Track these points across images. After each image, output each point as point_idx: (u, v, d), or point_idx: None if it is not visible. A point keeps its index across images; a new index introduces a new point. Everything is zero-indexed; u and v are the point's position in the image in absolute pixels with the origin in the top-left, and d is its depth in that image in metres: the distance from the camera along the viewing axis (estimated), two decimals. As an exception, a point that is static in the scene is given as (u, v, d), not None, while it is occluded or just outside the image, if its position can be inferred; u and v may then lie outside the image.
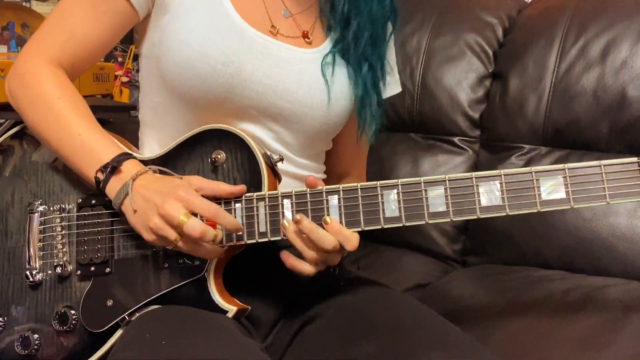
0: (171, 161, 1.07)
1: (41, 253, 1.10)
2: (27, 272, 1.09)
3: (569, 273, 1.46)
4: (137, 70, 2.77)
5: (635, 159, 0.91)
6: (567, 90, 1.63)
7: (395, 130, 1.82)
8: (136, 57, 2.65)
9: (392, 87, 1.26)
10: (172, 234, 0.94)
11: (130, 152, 1.06)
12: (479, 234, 1.68)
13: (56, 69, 1.10)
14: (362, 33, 1.15)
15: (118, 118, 1.95)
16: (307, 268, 0.98)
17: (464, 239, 1.72)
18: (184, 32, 1.08)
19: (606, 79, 1.58)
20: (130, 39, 2.91)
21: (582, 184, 0.91)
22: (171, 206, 0.93)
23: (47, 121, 1.08)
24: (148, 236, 0.97)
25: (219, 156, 1.04)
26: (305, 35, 1.16)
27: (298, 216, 0.96)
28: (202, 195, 0.97)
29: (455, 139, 1.79)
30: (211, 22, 1.09)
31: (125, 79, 2.62)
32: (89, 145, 1.04)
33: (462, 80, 1.78)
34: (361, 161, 1.36)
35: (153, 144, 1.18)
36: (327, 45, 1.18)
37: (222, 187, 1.00)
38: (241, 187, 1.00)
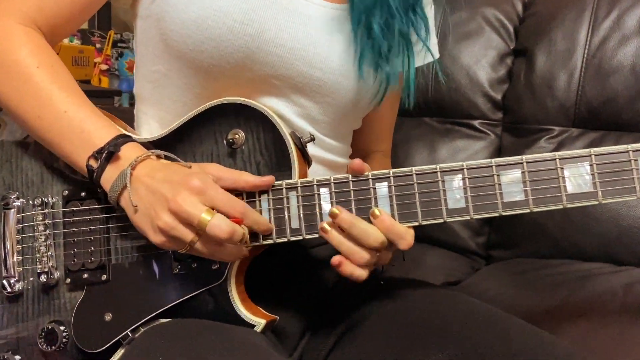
0: (177, 143, 0.89)
1: (20, 258, 0.91)
2: (4, 282, 0.90)
3: (616, 265, 1.33)
4: (117, 58, 2.64)
5: None
6: (601, 66, 1.51)
7: (408, 114, 1.65)
8: (115, 44, 2.50)
9: (428, 53, 1.06)
10: (187, 235, 0.75)
11: (129, 133, 0.87)
12: (505, 225, 1.54)
13: (32, 30, 0.91)
14: None
15: (101, 105, 1.75)
16: (361, 273, 0.80)
17: (488, 231, 1.58)
18: None
19: None
20: (108, 24, 2.76)
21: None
22: (185, 199, 0.74)
23: (23, 96, 0.88)
24: (155, 237, 0.78)
25: (237, 136, 0.85)
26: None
27: (335, 208, 0.78)
28: (232, 191, 0.80)
29: (476, 123, 1.65)
30: None
31: (104, 67, 2.46)
32: (78, 124, 0.85)
33: (481, 59, 1.65)
34: (389, 136, 1.18)
35: (152, 123, 0.99)
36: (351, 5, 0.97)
37: (246, 178, 0.81)
38: (269, 178, 0.81)
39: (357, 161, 0.81)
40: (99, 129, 0.84)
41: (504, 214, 0.76)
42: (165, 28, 0.90)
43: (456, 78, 1.63)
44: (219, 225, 0.73)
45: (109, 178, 0.81)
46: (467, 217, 0.77)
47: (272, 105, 0.93)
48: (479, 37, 1.65)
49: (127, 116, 1.07)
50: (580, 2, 1.57)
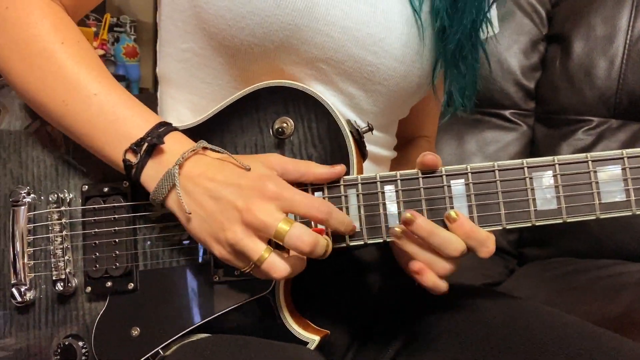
0: (214, 133, 0.78)
1: (32, 262, 0.81)
2: (14, 290, 0.80)
3: None
4: (113, 43, 2.53)
5: None
6: None
7: (434, 103, 1.59)
8: (111, 28, 2.40)
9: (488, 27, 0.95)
10: (259, 249, 0.65)
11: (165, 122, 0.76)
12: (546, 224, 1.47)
13: (53, 3, 0.80)
14: None
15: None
16: (442, 285, 0.69)
17: (520, 227, 1.48)
18: None
19: None
20: (102, 7, 2.66)
21: None
22: (261, 209, 0.64)
23: (45, 76, 0.76)
24: (220, 251, 0.68)
25: (286, 124, 0.76)
26: None
27: (408, 214, 0.67)
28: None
29: (507, 113, 1.61)
30: None
31: (100, 52, 2.36)
32: (111, 110, 0.74)
33: (512, 45, 1.60)
34: (435, 119, 1.10)
35: (182, 109, 0.88)
36: None
37: (314, 170, 0.71)
38: (340, 168, 0.71)
39: (430, 155, 0.70)
40: (135, 115, 0.74)
41: (602, 217, 0.67)
42: (199, 5, 0.79)
43: (485, 65, 1.54)
44: (300, 237, 0.63)
45: (153, 176, 0.71)
46: (560, 221, 0.67)
47: (317, 89, 0.82)
48: (510, 22, 1.62)
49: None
50: None
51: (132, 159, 0.71)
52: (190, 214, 0.67)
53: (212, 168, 0.69)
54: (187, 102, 0.87)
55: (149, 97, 0.98)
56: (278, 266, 0.65)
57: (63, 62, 0.75)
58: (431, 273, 0.69)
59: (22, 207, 0.81)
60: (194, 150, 0.70)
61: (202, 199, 0.67)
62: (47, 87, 0.75)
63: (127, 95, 0.75)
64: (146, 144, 0.70)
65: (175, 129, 0.74)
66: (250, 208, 0.64)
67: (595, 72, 1.52)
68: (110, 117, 0.73)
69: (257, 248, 0.64)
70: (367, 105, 0.85)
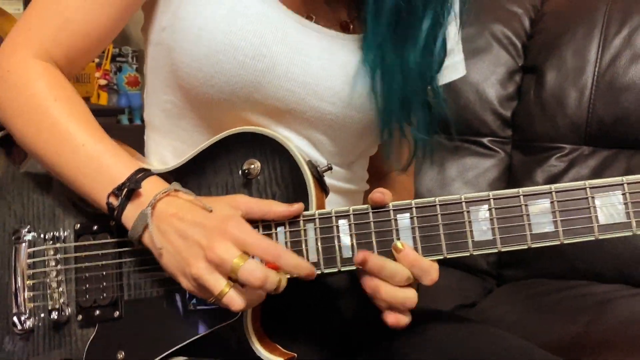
0: (191, 174, 0.85)
1: (32, 294, 0.88)
2: (15, 318, 0.87)
3: (632, 287, 1.34)
4: (116, 72, 2.62)
5: None
6: (612, 84, 1.54)
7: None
8: (114, 58, 2.49)
9: (451, 70, 1.01)
10: (221, 283, 0.72)
11: (148, 167, 0.83)
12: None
13: (48, 64, 0.88)
14: (413, 14, 0.90)
15: (105, 124, 1.73)
16: (405, 320, 0.77)
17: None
18: (203, 17, 0.85)
19: None
20: None
21: None
22: (221, 247, 0.71)
23: (40, 130, 0.84)
24: (187, 284, 0.75)
25: (252, 166, 0.82)
26: (345, 27, 0.93)
27: (360, 255, 0.74)
28: (248, 221, 0.76)
29: (485, 140, 1.66)
30: (238, 4, 0.86)
31: (103, 82, 2.45)
32: (97, 159, 0.81)
33: (490, 75, 1.66)
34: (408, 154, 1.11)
35: (165, 153, 0.95)
36: (366, 35, 0.92)
37: (275, 209, 0.77)
38: (299, 207, 0.78)
39: (378, 193, 0.77)
40: (118, 162, 0.81)
41: (533, 246, 0.72)
42: (176, 59, 0.87)
43: (465, 95, 1.64)
44: (251, 272, 0.69)
45: (130, 216, 0.78)
46: (495, 250, 0.73)
47: (283, 134, 0.89)
48: (488, 54, 1.68)
49: (128, 134, 1.04)
50: (590, 19, 1.60)
51: (114, 202, 0.78)
52: (161, 249, 0.74)
53: (183, 209, 0.75)
54: (169, 146, 0.94)
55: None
56: (236, 300, 0.71)
57: (56, 117, 0.82)
58: (395, 315, 0.76)
59: (23, 244, 0.88)
60: (165, 192, 0.77)
61: (172, 237, 0.74)
62: (42, 140, 0.83)
63: (112, 145, 0.83)
64: (125, 189, 0.77)
65: (152, 174, 0.80)
66: (212, 246, 0.70)
67: (566, 102, 1.57)
68: (95, 165, 0.80)
69: (217, 284, 0.71)
70: (330, 147, 0.92)
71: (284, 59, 0.86)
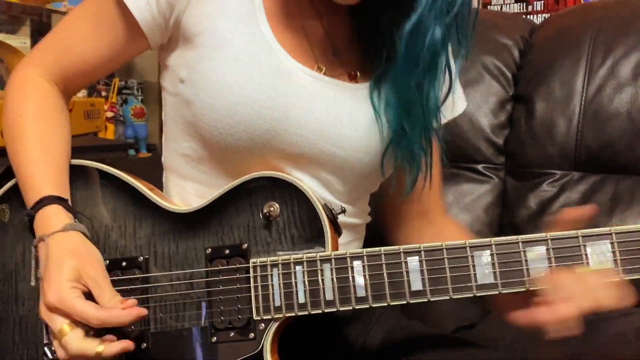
0: (215, 214, 0.92)
1: None
2: (46, 349, 0.91)
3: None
4: (122, 104, 2.67)
5: None
6: (598, 112, 1.56)
7: (415, 160, 1.69)
8: (120, 91, 2.54)
9: (451, 108, 1.07)
10: (58, 324, 0.83)
11: (60, 197, 0.92)
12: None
13: (47, 83, 1.00)
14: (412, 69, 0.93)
15: (115, 159, 1.78)
16: None
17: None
18: (222, 72, 0.91)
19: None
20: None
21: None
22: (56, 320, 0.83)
23: (11, 131, 0.98)
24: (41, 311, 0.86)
25: (272, 208, 0.88)
26: (352, 77, 0.99)
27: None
28: None
29: (479, 167, 1.68)
30: (254, 59, 0.92)
31: (110, 114, 2.50)
32: (29, 175, 0.94)
33: (482, 105, 1.68)
34: (436, 195, 1.15)
35: (188, 196, 1.01)
36: (374, 82, 0.99)
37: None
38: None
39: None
40: (35, 186, 0.92)
41: (531, 288, 0.78)
42: (196, 111, 0.93)
43: (459, 124, 1.65)
44: (68, 344, 0.81)
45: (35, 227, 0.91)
46: (496, 292, 0.79)
47: (297, 177, 0.94)
48: (480, 84, 1.69)
49: (138, 167, 1.09)
50: (576, 51, 1.61)
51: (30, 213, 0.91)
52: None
53: (51, 258, 0.86)
54: (191, 189, 1.00)
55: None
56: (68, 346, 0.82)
57: (25, 129, 0.96)
58: None
59: None
60: (50, 233, 0.87)
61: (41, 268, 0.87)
62: (9, 140, 0.97)
63: (44, 171, 0.93)
64: (27, 214, 0.91)
65: (53, 202, 0.90)
66: (46, 295, 0.83)
67: (556, 130, 1.59)
68: (28, 182, 0.93)
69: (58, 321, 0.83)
70: (338, 186, 0.97)
71: (297, 108, 0.91)
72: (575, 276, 0.79)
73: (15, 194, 0.97)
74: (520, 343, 1.23)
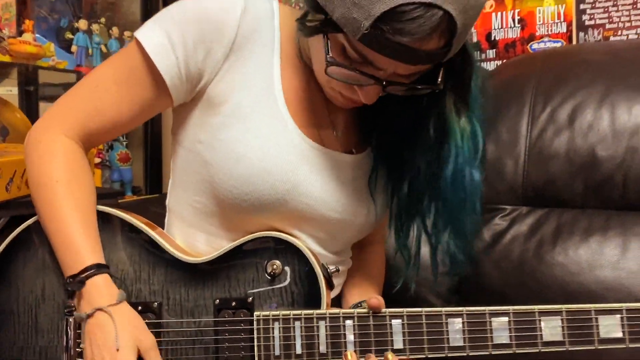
0: (224, 267, 1.01)
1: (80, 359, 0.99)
2: None
3: None
4: (108, 150, 2.70)
5: None
6: (541, 153, 1.64)
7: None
8: None
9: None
10: None
11: (100, 264, 0.97)
12: (472, 294, 1.66)
13: (73, 143, 1.02)
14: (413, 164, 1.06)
15: (105, 204, 1.82)
16: None
17: (457, 298, 1.70)
18: (243, 144, 0.99)
19: (576, 142, 1.61)
20: None
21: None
22: None
23: (42, 197, 1.00)
24: None
25: (275, 267, 0.98)
26: (348, 152, 1.10)
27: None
28: None
29: None
30: (271, 135, 1.00)
31: (97, 160, 2.53)
32: (69, 241, 0.97)
33: None
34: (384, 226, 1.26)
35: (195, 243, 1.09)
36: (368, 153, 1.11)
37: None
38: None
39: (374, 300, 0.95)
40: (79, 252, 0.97)
41: (494, 352, 0.92)
42: (213, 174, 1.00)
43: None
44: None
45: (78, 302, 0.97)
46: (464, 354, 0.92)
47: (296, 234, 1.05)
48: None
49: (129, 209, 1.15)
50: (520, 99, 1.70)
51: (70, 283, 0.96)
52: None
53: (100, 329, 0.93)
54: (200, 237, 1.08)
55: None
56: None
57: (57, 194, 0.98)
58: None
59: (73, 316, 0.99)
60: (95, 310, 0.93)
61: (86, 344, 0.94)
62: (41, 204, 1.00)
63: (85, 234, 0.97)
64: (72, 282, 0.96)
65: (100, 273, 0.96)
66: None
67: (504, 169, 1.67)
68: (67, 245, 0.97)
69: None
70: (330, 242, 1.10)
71: (305, 179, 1.02)
72: None
73: (32, 234, 1.03)
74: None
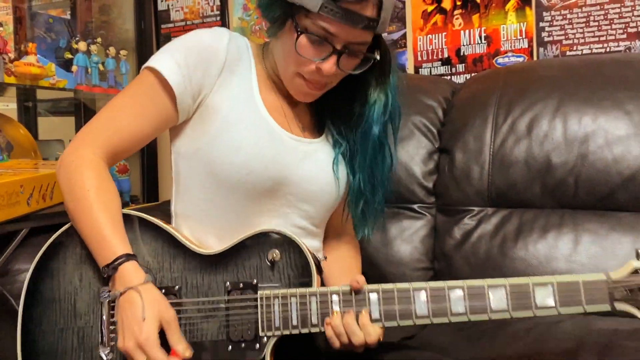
0: (232, 256, 1.18)
1: (112, 335, 1.15)
2: (102, 353, 1.15)
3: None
4: None
5: (604, 277, 1.04)
6: (503, 160, 1.77)
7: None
8: None
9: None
10: (141, 358, 1.07)
11: (129, 253, 1.14)
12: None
13: (99, 160, 1.20)
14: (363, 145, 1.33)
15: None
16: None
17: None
18: (238, 139, 1.20)
19: (533, 149, 1.74)
20: None
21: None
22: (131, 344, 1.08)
23: (77, 204, 1.17)
24: (120, 344, 1.09)
25: (275, 255, 1.15)
26: (312, 135, 1.35)
27: (327, 319, 1.11)
28: None
29: (415, 206, 1.89)
30: (258, 130, 1.23)
31: None
32: (101, 237, 1.14)
33: (414, 156, 1.90)
34: (350, 225, 1.48)
35: (209, 238, 1.27)
36: (325, 137, 1.37)
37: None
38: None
39: (355, 282, 1.12)
40: (111, 246, 1.14)
41: (453, 320, 1.07)
42: (216, 167, 1.21)
43: (397, 172, 1.86)
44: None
45: (112, 284, 1.15)
46: (429, 322, 1.08)
47: (286, 211, 1.28)
48: (412, 139, 1.91)
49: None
50: (484, 111, 1.84)
51: (105, 271, 1.14)
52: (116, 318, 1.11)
53: (132, 306, 1.10)
54: (210, 232, 1.27)
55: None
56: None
57: (89, 201, 1.16)
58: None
59: (107, 300, 1.17)
60: (127, 289, 1.10)
61: (119, 317, 1.11)
62: (76, 211, 1.17)
63: (115, 230, 1.15)
64: (108, 269, 1.13)
65: (130, 259, 1.13)
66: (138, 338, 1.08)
67: (472, 175, 1.79)
68: (99, 241, 1.14)
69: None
70: (314, 214, 1.32)
71: (290, 161, 1.26)
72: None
73: (68, 236, 1.20)
74: (453, 346, 1.49)
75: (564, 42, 2.22)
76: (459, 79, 2.39)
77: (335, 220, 1.45)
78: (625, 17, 2.12)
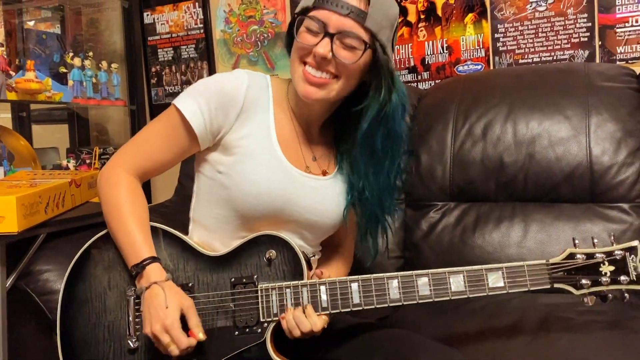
0: (235, 257, 1.32)
1: (138, 326, 1.30)
2: (129, 341, 1.29)
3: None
4: (101, 168, 2.79)
5: (544, 262, 1.24)
6: (462, 160, 1.92)
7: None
8: (100, 157, 2.72)
9: None
10: (167, 338, 1.24)
11: (154, 256, 1.30)
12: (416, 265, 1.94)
13: (132, 178, 1.36)
14: (369, 189, 1.43)
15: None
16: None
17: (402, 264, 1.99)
18: (252, 173, 1.32)
19: (488, 151, 1.91)
20: (88, 142, 3.08)
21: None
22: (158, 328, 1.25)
23: (112, 215, 1.34)
24: (147, 329, 1.25)
25: (271, 254, 1.29)
26: (324, 173, 1.45)
27: (282, 315, 1.28)
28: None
29: None
30: (271, 167, 1.33)
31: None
32: (131, 242, 1.31)
33: None
34: (351, 235, 1.60)
35: (215, 244, 1.40)
36: (336, 173, 1.46)
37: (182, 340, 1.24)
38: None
39: (319, 271, 1.33)
40: (139, 250, 1.30)
41: (421, 302, 1.25)
42: (232, 195, 1.33)
43: None
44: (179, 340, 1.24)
45: (139, 282, 1.30)
46: (400, 304, 1.26)
47: (287, 233, 1.37)
48: None
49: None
50: (445, 117, 1.98)
51: (134, 270, 1.30)
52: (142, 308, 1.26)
53: (156, 298, 1.25)
54: (218, 240, 1.40)
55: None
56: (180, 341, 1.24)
57: (123, 212, 1.33)
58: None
59: (132, 297, 1.32)
60: (150, 284, 1.26)
61: (145, 307, 1.27)
62: (112, 220, 1.34)
63: (144, 236, 1.31)
64: (137, 269, 1.29)
65: (155, 261, 1.30)
66: (164, 322, 1.24)
67: (435, 174, 1.94)
68: (130, 245, 1.31)
69: (166, 337, 1.23)
70: (310, 237, 1.44)
71: (295, 195, 1.36)
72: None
73: (100, 243, 1.35)
74: (420, 323, 1.60)
75: (517, 51, 2.35)
76: (425, 85, 2.50)
77: (336, 236, 1.56)
78: (569, 29, 2.28)
